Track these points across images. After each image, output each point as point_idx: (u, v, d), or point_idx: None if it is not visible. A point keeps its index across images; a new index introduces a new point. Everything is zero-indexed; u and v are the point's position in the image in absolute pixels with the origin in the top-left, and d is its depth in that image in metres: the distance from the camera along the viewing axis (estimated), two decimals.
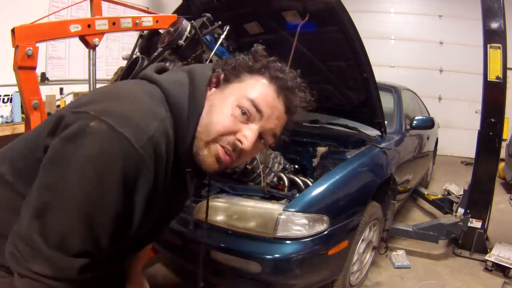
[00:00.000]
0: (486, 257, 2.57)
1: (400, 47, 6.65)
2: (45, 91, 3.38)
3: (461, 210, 2.85)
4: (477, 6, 2.65)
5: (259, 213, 1.77)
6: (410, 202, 4.00)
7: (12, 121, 3.10)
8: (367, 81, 2.13)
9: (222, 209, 1.85)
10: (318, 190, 1.84)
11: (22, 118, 3.12)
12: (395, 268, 2.55)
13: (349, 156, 2.17)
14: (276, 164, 2.30)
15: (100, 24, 1.59)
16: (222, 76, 0.85)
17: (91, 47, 1.61)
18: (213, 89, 0.85)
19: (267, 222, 1.73)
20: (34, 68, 1.37)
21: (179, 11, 2.40)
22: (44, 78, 3.49)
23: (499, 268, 2.51)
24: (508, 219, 3.57)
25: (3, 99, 3.15)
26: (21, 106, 3.15)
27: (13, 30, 1.34)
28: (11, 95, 3.13)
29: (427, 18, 6.53)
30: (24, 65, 1.34)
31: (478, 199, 2.70)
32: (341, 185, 1.94)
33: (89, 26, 1.55)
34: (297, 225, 1.72)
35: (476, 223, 2.71)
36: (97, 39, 1.59)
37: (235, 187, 1.95)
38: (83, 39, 1.57)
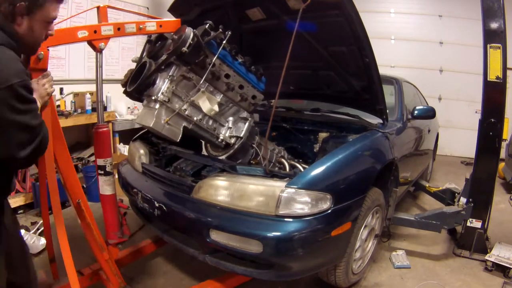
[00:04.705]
0: (486, 257, 2.57)
1: (400, 47, 6.65)
2: None
3: (463, 199, 2.85)
4: (477, 6, 2.64)
5: (260, 191, 1.76)
6: (410, 200, 4.01)
7: None
8: (368, 66, 2.14)
9: (223, 187, 1.85)
10: (321, 167, 1.83)
11: None
12: (395, 268, 2.55)
13: (351, 139, 2.18)
14: (275, 155, 2.34)
15: (106, 30, 1.70)
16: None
17: (98, 50, 1.71)
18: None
19: (269, 199, 1.72)
20: (45, 70, 1.47)
21: (173, 7, 2.42)
22: None
23: (499, 268, 2.51)
24: (508, 219, 3.57)
25: None
26: None
27: None
28: None
29: (427, 18, 6.53)
30: (36, 68, 1.45)
31: (478, 199, 2.70)
32: (344, 165, 1.94)
33: (95, 31, 1.66)
34: (300, 203, 1.71)
35: (476, 223, 2.71)
36: (103, 43, 1.70)
37: (236, 167, 1.95)
38: (90, 43, 1.69)
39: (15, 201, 3.14)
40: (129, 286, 2.05)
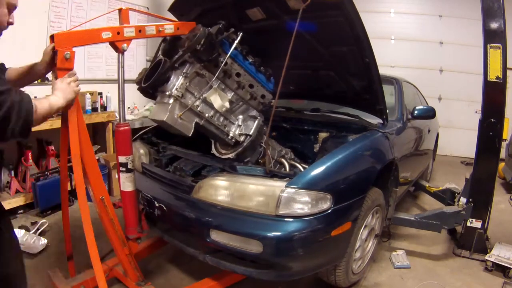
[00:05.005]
0: (486, 257, 2.57)
1: (400, 47, 6.65)
2: (45, 91, 3.39)
3: (463, 199, 2.85)
4: (477, 6, 2.64)
5: (260, 191, 1.76)
6: (410, 200, 4.01)
7: None
8: (368, 66, 2.14)
9: (223, 187, 1.85)
10: (321, 167, 1.83)
11: None
12: (395, 268, 2.55)
13: (351, 139, 2.18)
14: (277, 152, 2.35)
15: (128, 32, 1.78)
16: None
17: (120, 51, 1.79)
18: None
19: (269, 199, 1.72)
20: (71, 69, 1.53)
21: (173, 6, 2.43)
22: (44, 78, 3.49)
23: (499, 268, 2.51)
24: (508, 219, 3.57)
25: None
26: None
27: (52, 36, 1.50)
28: None
29: (427, 18, 6.53)
30: (63, 67, 1.51)
31: (478, 199, 2.70)
32: (344, 165, 1.94)
33: (118, 33, 1.74)
34: (300, 203, 1.71)
35: (476, 223, 2.71)
36: (125, 45, 1.78)
37: (236, 167, 1.96)
38: (113, 44, 1.76)
39: (15, 201, 3.14)
40: (147, 280, 2.07)
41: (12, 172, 3.28)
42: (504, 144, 4.77)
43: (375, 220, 2.32)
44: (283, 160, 2.29)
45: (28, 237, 2.63)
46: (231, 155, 2.11)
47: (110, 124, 3.96)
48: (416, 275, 2.48)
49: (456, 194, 3.29)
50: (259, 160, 2.20)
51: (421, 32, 6.54)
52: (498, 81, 2.54)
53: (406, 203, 3.89)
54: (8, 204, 3.09)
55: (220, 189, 1.85)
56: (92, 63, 4.11)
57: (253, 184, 1.80)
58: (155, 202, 2.01)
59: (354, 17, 1.92)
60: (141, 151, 2.45)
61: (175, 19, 2.41)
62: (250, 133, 2.10)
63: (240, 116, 2.18)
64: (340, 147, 2.03)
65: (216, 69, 1.94)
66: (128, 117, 4.31)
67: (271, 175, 1.86)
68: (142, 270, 2.08)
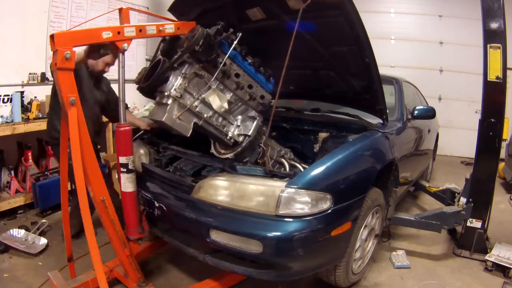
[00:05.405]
0: (486, 257, 2.57)
1: (400, 47, 6.65)
2: (45, 91, 3.38)
3: (463, 199, 2.85)
4: (477, 6, 2.64)
5: (260, 191, 1.76)
6: (410, 200, 4.01)
7: (12, 121, 3.09)
8: (368, 66, 2.14)
9: (223, 187, 1.85)
10: (321, 167, 1.83)
11: (22, 118, 3.12)
12: (395, 268, 2.55)
13: (351, 139, 2.18)
14: (276, 152, 2.36)
15: (129, 31, 1.79)
16: None
17: (120, 51, 1.79)
18: None
19: (269, 199, 1.72)
20: (71, 69, 1.54)
21: (173, 6, 2.43)
22: (44, 78, 3.49)
23: (499, 268, 2.51)
24: (508, 219, 3.57)
25: (3, 99, 3.14)
26: (21, 106, 3.15)
27: (52, 36, 1.50)
28: (11, 95, 3.12)
29: (427, 18, 6.53)
30: (63, 67, 1.51)
31: (478, 199, 2.70)
32: (344, 165, 1.94)
33: (118, 33, 1.74)
34: (300, 203, 1.71)
35: (476, 223, 2.71)
36: (126, 44, 1.78)
37: (236, 167, 1.96)
38: (113, 44, 1.77)
39: (15, 201, 3.14)
40: (148, 281, 2.07)
41: (12, 172, 3.28)
42: (504, 144, 4.77)
43: (375, 220, 2.32)
44: (283, 160, 2.29)
45: (28, 237, 2.63)
46: (229, 155, 2.12)
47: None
48: (416, 275, 2.48)
49: (456, 194, 3.29)
50: (258, 160, 2.21)
51: (421, 32, 6.54)
52: (498, 81, 2.54)
53: (406, 203, 3.89)
54: (8, 204, 3.10)
55: (220, 189, 1.85)
56: None
57: (253, 184, 1.80)
58: (155, 202, 2.01)
59: (354, 17, 1.92)
60: (141, 151, 2.44)
61: (175, 19, 2.40)
62: (249, 134, 2.11)
63: (239, 117, 2.19)
64: (340, 147, 2.03)
65: (215, 70, 1.93)
66: None
67: (271, 175, 1.86)
68: (142, 270, 2.08)
